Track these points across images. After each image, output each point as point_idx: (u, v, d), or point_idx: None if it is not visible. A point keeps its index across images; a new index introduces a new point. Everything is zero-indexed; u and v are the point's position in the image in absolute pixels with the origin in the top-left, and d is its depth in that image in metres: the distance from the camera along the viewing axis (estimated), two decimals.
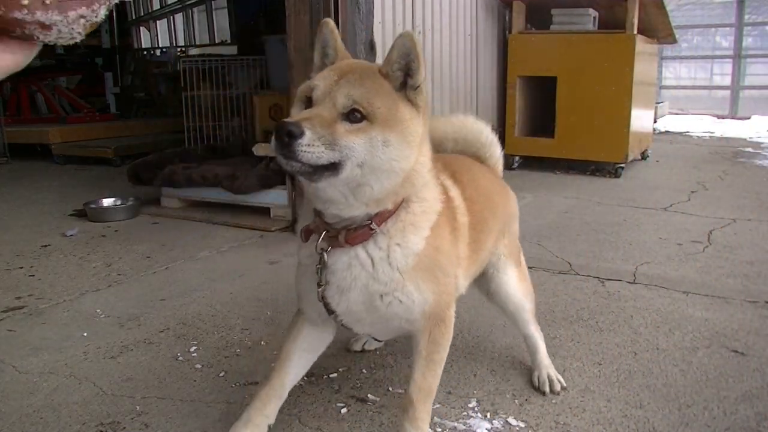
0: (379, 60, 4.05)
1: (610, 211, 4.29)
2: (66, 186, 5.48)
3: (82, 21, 0.56)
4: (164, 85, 8.65)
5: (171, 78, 7.99)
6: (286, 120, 1.21)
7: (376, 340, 2.18)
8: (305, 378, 2.02)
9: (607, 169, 5.61)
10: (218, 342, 2.30)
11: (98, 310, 2.60)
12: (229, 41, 9.76)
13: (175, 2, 11.34)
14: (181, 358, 2.17)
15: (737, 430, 1.73)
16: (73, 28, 0.56)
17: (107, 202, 4.37)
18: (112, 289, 2.86)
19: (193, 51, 9.88)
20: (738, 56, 11.04)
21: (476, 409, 1.84)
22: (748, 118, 10.21)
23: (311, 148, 1.20)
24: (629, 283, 2.88)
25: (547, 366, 2.00)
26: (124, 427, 1.76)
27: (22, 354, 2.20)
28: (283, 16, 3.66)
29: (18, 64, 0.57)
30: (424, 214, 1.43)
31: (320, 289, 1.43)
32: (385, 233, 1.39)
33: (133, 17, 11.45)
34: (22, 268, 3.20)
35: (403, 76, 1.32)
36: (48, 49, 7.75)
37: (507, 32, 6.14)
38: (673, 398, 1.88)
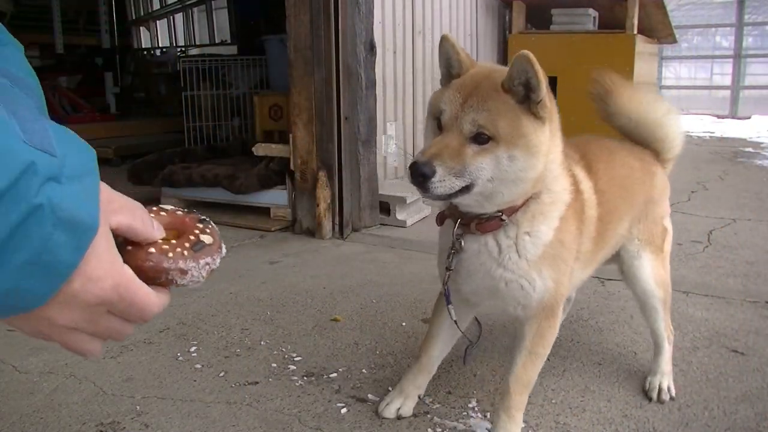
0: (380, 59, 4.05)
1: None
2: None
3: (207, 267, 0.72)
4: (164, 85, 8.64)
5: (171, 78, 7.99)
6: (418, 161, 1.32)
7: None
8: (305, 378, 2.03)
9: None
10: (218, 342, 2.30)
11: None
12: (229, 41, 9.76)
13: (175, 2, 11.34)
14: (181, 358, 2.17)
15: (737, 430, 1.73)
16: (201, 273, 0.71)
17: None
18: None
19: (193, 51, 9.89)
20: (738, 56, 11.04)
21: (476, 409, 1.84)
22: (748, 118, 10.22)
23: (443, 183, 1.32)
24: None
25: (665, 373, 1.92)
26: (124, 427, 1.76)
27: (22, 354, 2.19)
28: (283, 16, 3.66)
29: (164, 305, 0.70)
30: (553, 204, 1.50)
31: (448, 273, 1.55)
32: (514, 223, 1.48)
33: (133, 17, 11.45)
34: None
35: (525, 89, 1.36)
36: (48, 49, 7.70)
37: (507, 32, 6.14)
38: (671, 400, 1.88)
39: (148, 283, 0.68)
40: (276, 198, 4.01)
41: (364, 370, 2.08)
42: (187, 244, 0.71)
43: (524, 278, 1.51)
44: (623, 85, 1.93)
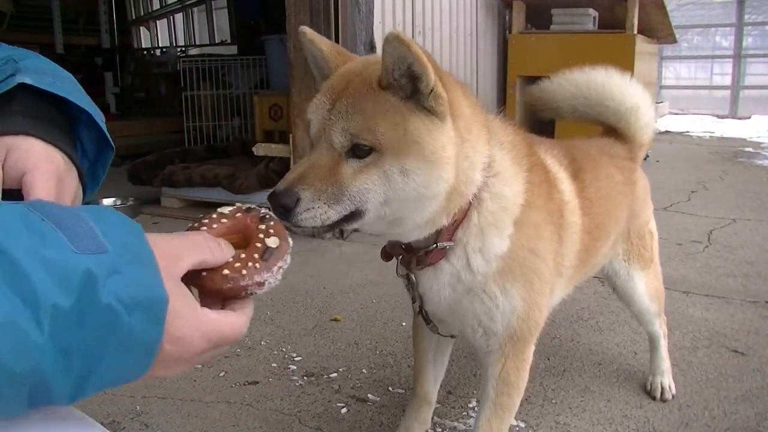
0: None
1: None
2: None
3: (281, 270, 0.73)
4: (164, 85, 8.64)
5: (171, 78, 7.98)
6: (276, 190, 1.05)
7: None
8: (305, 378, 2.03)
9: None
10: None
11: None
12: (229, 41, 9.75)
13: (175, 2, 11.33)
14: None
15: (737, 430, 1.73)
16: (276, 278, 0.72)
17: (107, 202, 4.37)
18: None
19: (193, 51, 9.88)
20: (738, 56, 11.04)
21: (476, 409, 1.84)
22: (748, 118, 10.21)
23: (312, 212, 1.05)
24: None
25: (665, 371, 1.93)
26: (124, 427, 1.76)
27: None
28: (283, 16, 3.66)
29: (249, 317, 0.72)
30: (504, 210, 1.24)
31: (415, 304, 1.36)
32: (459, 243, 1.23)
33: (133, 17, 11.45)
34: None
35: (411, 82, 1.07)
36: (48, 49, 7.70)
37: (507, 32, 6.14)
38: (673, 398, 1.88)
39: (229, 299, 0.71)
40: None
41: (364, 370, 2.08)
42: (256, 255, 0.72)
43: (484, 291, 1.27)
44: (560, 75, 1.80)
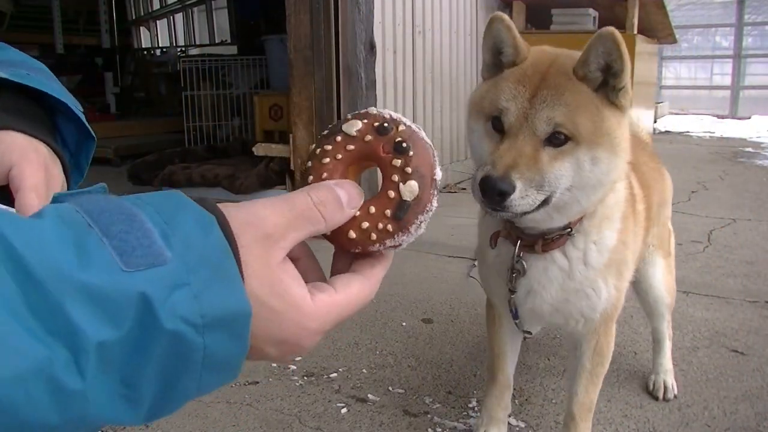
0: (380, 59, 4.05)
1: None
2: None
3: (423, 224, 0.59)
4: (164, 85, 8.64)
5: (171, 78, 7.99)
6: (491, 175, 1.09)
7: None
8: (305, 378, 2.03)
9: None
10: None
11: None
12: (229, 41, 9.76)
13: (175, 2, 11.34)
14: None
15: (737, 430, 1.73)
16: (417, 232, 0.60)
17: None
18: None
19: (193, 51, 9.88)
20: (738, 56, 11.05)
21: (476, 409, 1.84)
22: (748, 118, 10.22)
23: (525, 199, 1.10)
24: (629, 282, 2.87)
25: (667, 371, 1.93)
26: (124, 427, 1.76)
27: None
28: (283, 16, 3.66)
29: (379, 279, 0.62)
30: (617, 204, 1.32)
31: (513, 296, 1.36)
32: (581, 232, 1.30)
33: (133, 17, 11.45)
34: None
35: (603, 75, 1.15)
36: (48, 49, 7.70)
37: None
38: (675, 398, 1.89)
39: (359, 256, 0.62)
40: None
41: (364, 370, 2.08)
42: (388, 211, 0.58)
43: (591, 287, 1.34)
44: None
